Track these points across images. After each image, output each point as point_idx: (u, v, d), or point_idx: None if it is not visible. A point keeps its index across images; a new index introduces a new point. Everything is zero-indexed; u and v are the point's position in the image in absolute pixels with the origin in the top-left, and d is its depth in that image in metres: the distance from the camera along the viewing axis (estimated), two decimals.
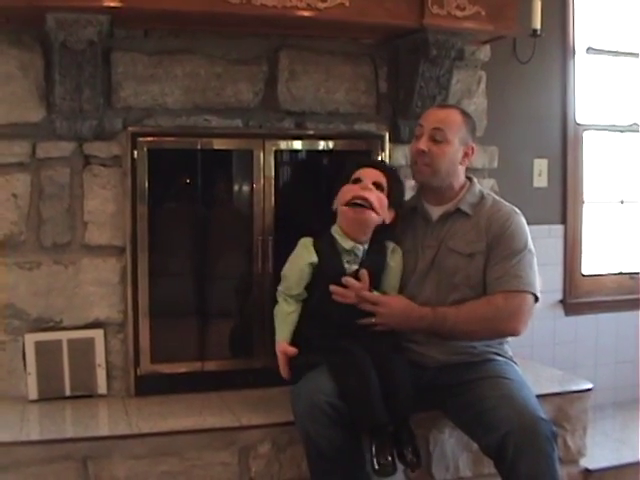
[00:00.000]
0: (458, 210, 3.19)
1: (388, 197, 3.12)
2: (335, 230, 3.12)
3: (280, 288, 3.15)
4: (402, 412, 2.94)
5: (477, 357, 3.13)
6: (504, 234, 3.11)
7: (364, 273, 3.04)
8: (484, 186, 3.84)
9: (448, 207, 3.21)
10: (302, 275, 3.08)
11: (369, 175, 3.12)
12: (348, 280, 3.01)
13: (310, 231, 3.16)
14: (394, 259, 3.19)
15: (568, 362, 4.54)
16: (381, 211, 3.09)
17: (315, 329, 3.07)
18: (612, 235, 4.94)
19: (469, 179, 3.30)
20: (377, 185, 3.10)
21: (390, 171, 3.21)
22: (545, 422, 2.78)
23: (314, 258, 3.07)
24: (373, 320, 3.02)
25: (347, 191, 3.09)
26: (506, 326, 3.09)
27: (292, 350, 3.06)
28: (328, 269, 3.08)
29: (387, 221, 3.13)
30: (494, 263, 3.10)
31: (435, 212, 3.24)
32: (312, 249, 3.09)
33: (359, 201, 3.05)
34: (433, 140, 3.12)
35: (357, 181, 3.10)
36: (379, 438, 2.87)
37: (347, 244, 3.09)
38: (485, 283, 3.12)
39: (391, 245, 3.21)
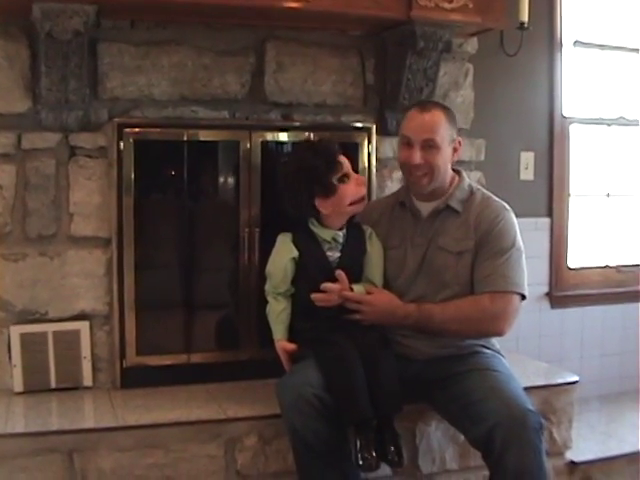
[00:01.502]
0: (448, 207, 3.18)
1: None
2: (312, 223, 3.13)
3: (267, 287, 3.16)
4: (386, 408, 2.94)
5: (464, 350, 3.13)
6: (492, 231, 3.11)
7: (341, 274, 3.04)
8: (471, 179, 3.85)
9: (438, 203, 3.20)
10: (286, 271, 3.09)
11: (348, 165, 3.13)
12: (326, 286, 3.01)
13: (294, 224, 3.16)
14: (372, 244, 3.21)
15: (554, 355, 4.54)
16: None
17: (304, 322, 3.08)
18: (598, 228, 4.94)
19: (458, 173, 3.29)
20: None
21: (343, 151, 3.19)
22: (533, 414, 2.78)
23: (295, 253, 3.08)
24: (357, 317, 3.03)
25: (349, 194, 3.08)
26: (491, 327, 3.10)
27: (291, 346, 3.08)
28: (311, 261, 3.09)
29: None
30: (482, 260, 3.10)
31: (425, 208, 3.23)
32: (291, 244, 3.10)
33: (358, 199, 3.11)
34: (425, 150, 3.09)
35: (345, 177, 3.09)
36: (363, 433, 2.88)
37: (327, 234, 3.11)
38: (473, 281, 3.12)
39: (368, 230, 3.23)
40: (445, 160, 3.14)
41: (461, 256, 3.13)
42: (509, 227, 3.15)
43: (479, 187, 3.33)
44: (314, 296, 3.00)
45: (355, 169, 3.57)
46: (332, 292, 3.01)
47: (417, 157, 3.09)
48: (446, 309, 3.06)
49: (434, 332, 3.08)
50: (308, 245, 3.10)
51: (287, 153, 3.59)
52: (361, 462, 2.85)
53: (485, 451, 2.81)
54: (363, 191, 3.13)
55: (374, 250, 3.20)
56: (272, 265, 3.15)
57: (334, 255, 3.10)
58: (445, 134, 3.11)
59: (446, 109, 3.20)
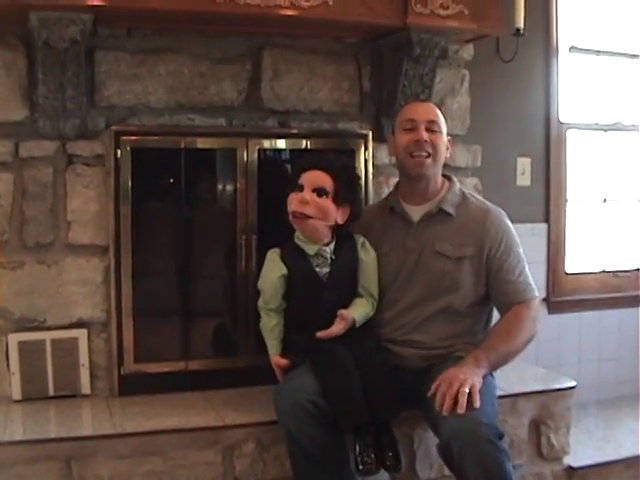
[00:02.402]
0: (441, 211, 3.19)
1: (335, 196, 3.07)
2: (297, 237, 3.14)
3: (260, 303, 3.18)
4: (383, 413, 2.95)
5: (449, 355, 3.12)
6: (501, 246, 3.15)
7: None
8: (467, 185, 3.87)
9: (429, 207, 3.21)
10: (276, 289, 3.11)
11: (310, 181, 3.06)
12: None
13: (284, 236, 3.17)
14: (365, 252, 3.20)
15: (551, 360, 4.55)
16: (325, 217, 3.06)
17: (298, 335, 3.10)
18: (595, 233, 4.95)
19: (448, 178, 3.30)
20: (319, 190, 3.05)
21: (334, 169, 3.09)
22: (486, 426, 2.70)
23: (284, 270, 3.09)
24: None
25: (290, 202, 3.08)
26: (535, 332, 3.16)
27: (284, 362, 3.10)
28: (299, 278, 3.10)
29: (340, 221, 3.10)
30: (503, 274, 3.14)
31: (415, 213, 3.23)
32: (280, 262, 3.11)
33: (298, 214, 3.06)
34: (429, 131, 3.15)
35: (299, 188, 3.06)
36: (362, 438, 2.89)
37: (312, 249, 3.11)
38: (493, 293, 3.17)
39: (360, 239, 3.22)
40: (443, 149, 3.19)
41: (460, 262, 3.13)
42: (513, 233, 3.22)
43: (471, 192, 3.36)
44: None
45: None
46: None
47: (424, 134, 3.14)
48: (501, 335, 3.08)
49: (505, 361, 3.07)
50: (296, 261, 3.11)
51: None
52: (361, 467, 2.86)
53: (447, 463, 2.81)
54: (301, 211, 3.04)
55: (368, 258, 3.20)
56: (262, 282, 3.17)
57: (323, 270, 3.11)
58: (443, 124, 3.21)
59: (439, 107, 3.31)
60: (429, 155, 3.15)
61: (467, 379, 2.78)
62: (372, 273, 3.20)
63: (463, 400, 2.71)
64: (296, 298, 3.11)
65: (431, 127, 3.16)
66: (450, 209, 3.19)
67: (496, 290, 3.16)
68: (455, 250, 3.14)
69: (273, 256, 3.13)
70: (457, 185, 3.29)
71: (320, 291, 3.08)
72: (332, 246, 3.13)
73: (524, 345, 3.12)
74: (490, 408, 2.87)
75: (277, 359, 3.12)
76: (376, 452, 2.90)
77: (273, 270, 3.11)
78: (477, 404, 2.72)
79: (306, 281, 3.09)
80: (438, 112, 3.23)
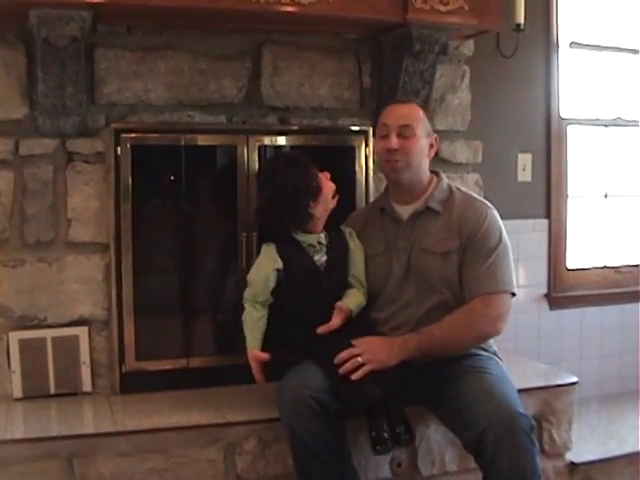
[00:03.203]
0: (428, 208, 3.19)
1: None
2: (295, 232, 3.15)
3: (246, 295, 3.16)
4: (391, 389, 2.94)
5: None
6: (478, 232, 3.11)
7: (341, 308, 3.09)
8: (468, 181, 3.86)
9: (417, 206, 3.21)
10: (267, 282, 3.10)
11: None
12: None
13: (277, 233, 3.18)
14: (354, 242, 3.24)
15: (553, 356, 4.55)
16: None
17: (297, 329, 3.08)
18: (596, 229, 4.95)
19: (435, 174, 3.30)
20: None
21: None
22: (524, 416, 2.77)
23: (279, 264, 3.09)
24: (367, 368, 2.93)
25: (328, 187, 3.17)
26: (489, 330, 3.11)
27: (264, 356, 3.09)
28: (298, 269, 3.11)
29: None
30: (470, 263, 3.10)
31: (404, 212, 3.23)
32: (276, 255, 3.11)
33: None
34: (401, 137, 3.13)
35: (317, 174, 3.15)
36: (374, 421, 2.91)
37: (312, 239, 3.14)
38: (462, 283, 3.12)
39: (347, 230, 3.27)
40: (421, 151, 3.17)
41: (446, 257, 3.13)
42: (493, 225, 3.15)
43: (458, 187, 3.33)
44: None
45: (353, 172, 3.60)
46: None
47: (394, 142, 3.13)
48: (443, 324, 3.05)
49: (439, 351, 3.06)
50: (294, 254, 3.12)
51: (265, 177, 3.50)
52: (378, 447, 2.89)
53: (477, 455, 2.81)
54: (333, 185, 3.19)
55: (356, 247, 3.24)
56: (254, 274, 3.16)
57: (321, 259, 3.13)
58: (422, 126, 3.17)
59: (423, 106, 3.30)
60: (401, 160, 3.15)
61: (376, 358, 2.92)
62: (361, 262, 3.23)
63: (360, 373, 2.88)
64: (293, 291, 3.10)
65: (403, 132, 3.13)
66: (437, 206, 3.18)
67: (462, 278, 3.12)
68: (440, 245, 3.13)
69: (269, 249, 3.14)
70: (445, 181, 3.28)
71: (319, 281, 3.09)
72: (325, 234, 3.18)
73: (473, 341, 3.11)
74: (516, 395, 2.92)
75: (257, 353, 3.09)
76: (388, 430, 2.91)
77: (267, 263, 3.11)
78: (354, 376, 2.87)
79: (305, 271, 3.10)
80: (414, 114, 3.18)
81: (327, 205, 3.15)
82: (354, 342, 2.97)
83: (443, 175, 3.31)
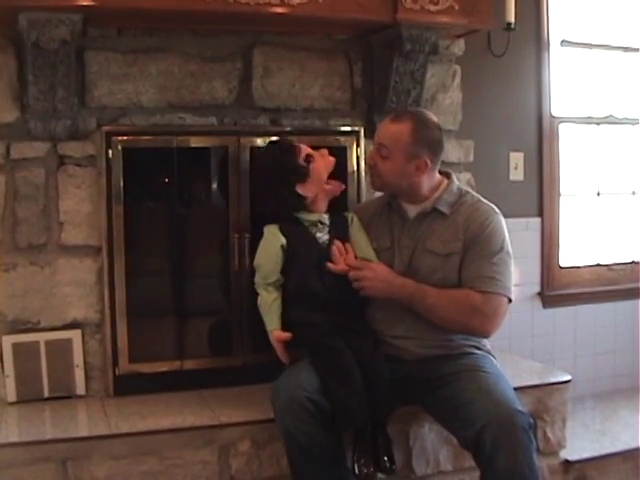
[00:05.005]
0: (435, 210, 3.18)
1: None
2: (297, 212, 3.17)
3: (257, 279, 3.17)
4: (380, 414, 2.98)
5: (455, 350, 3.13)
6: (482, 234, 3.10)
7: (338, 243, 3.14)
8: (460, 180, 3.85)
9: (424, 207, 3.20)
10: (277, 260, 3.11)
11: (307, 147, 3.21)
12: (337, 246, 3.10)
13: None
14: (355, 227, 3.25)
15: (547, 354, 4.56)
16: None
17: (302, 307, 3.09)
18: (589, 227, 4.96)
19: (447, 176, 3.28)
20: None
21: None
22: (522, 414, 2.78)
23: (283, 240, 3.10)
24: (357, 285, 3.07)
25: (322, 169, 3.18)
26: (478, 326, 3.10)
27: (286, 335, 3.08)
28: (301, 246, 3.12)
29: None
30: (471, 261, 3.10)
31: (411, 210, 3.23)
32: (279, 233, 3.12)
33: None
34: (379, 155, 3.16)
35: (309, 157, 3.16)
36: (360, 442, 2.95)
37: (313, 217, 3.16)
38: (461, 282, 3.11)
39: (349, 215, 3.29)
40: (398, 174, 3.13)
41: (449, 258, 3.12)
42: (498, 230, 3.14)
43: (468, 190, 3.33)
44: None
45: (344, 172, 3.60)
46: (340, 255, 3.10)
47: (369, 157, 3.23)
48: (441, 295, 3.07)
49: (424, 313, 3.08)
50: (296, 231, 3.13)
51: (254, 164, 3.52)
52: (357, 472, 2.93)
53: (476, 452, 2.81)
54: (332, 159, 3.21)
55: (359, 232, 3.25)
56: (261, 256, 3.17)
57: (323, 237, 3.15)
58: (402, 149, 3.10)
59: (420, 127, 3.15)
60: (373, 175, 3.21)
61: (373, 290, 3.11)
62: (366, 245, 3.23)
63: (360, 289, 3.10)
64: (297, 269, 3.10)
65: (380, 150, 3.15)
66: (444, 209, 3.17)
67: (462, 275, 3.12)
68: (444, 247, 3.13)
69: (271, 229, 3.14)
70: (455, 184, 3.26)
71: (320, 258, 3.10)
72: (328, 215, 3.20)
73: (456, 326, 3.11)
74: (513, 393, 2.93)
75: (278, 333, 3.09)
76: (372, 456, 2.95)
77: (273, 242, 3.12)
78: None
79: (307, 247, 3.11)
80: (397, 135, 3.11)
81: (321, 183, 3.14)
82: (363, 263, 3.12)
83: (454, 177, 3.29)
